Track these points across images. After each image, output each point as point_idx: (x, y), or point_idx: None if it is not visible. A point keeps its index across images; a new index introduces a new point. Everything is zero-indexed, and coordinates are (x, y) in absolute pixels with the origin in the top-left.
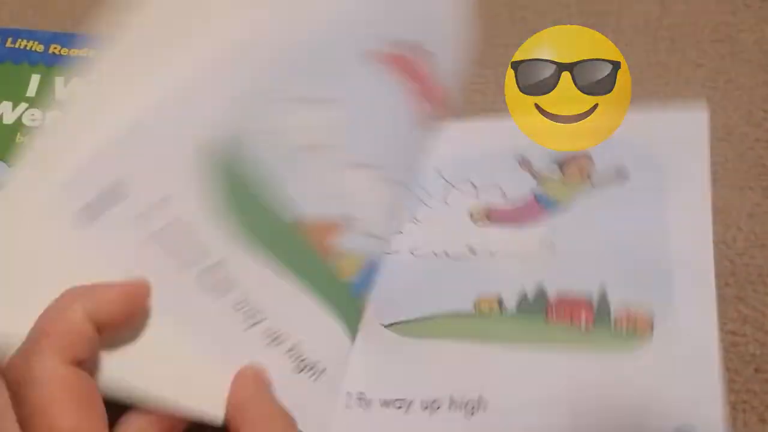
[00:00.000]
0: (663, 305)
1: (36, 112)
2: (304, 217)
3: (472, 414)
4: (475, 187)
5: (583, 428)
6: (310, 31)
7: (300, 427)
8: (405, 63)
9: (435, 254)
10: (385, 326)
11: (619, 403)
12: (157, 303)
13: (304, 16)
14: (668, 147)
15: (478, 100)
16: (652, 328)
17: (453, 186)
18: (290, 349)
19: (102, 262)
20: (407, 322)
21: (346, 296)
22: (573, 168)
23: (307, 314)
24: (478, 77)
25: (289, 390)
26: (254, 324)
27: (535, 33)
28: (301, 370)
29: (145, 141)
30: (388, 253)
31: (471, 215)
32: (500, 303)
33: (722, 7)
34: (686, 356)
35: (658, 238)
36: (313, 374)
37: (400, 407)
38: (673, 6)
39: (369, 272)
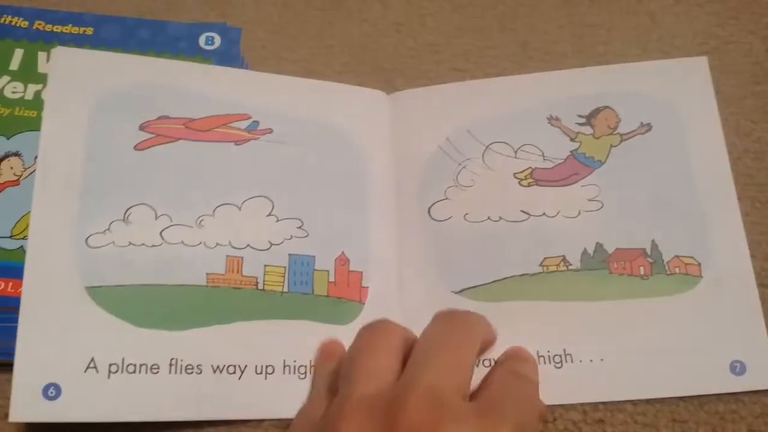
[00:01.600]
0: (705, 251)
1: (18, 85)
2: (210, 275)
3: (560, 366)
4: (511, 147)
5: (654, 364)
6: None
7: None
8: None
9: (491, 219)
10: (456, 293)
11: (680, 342)
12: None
13: None
14: (682, 96)
15: None
16: (700, 271)
17: (487, 146)
18: (285, 368)
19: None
20: (477, 287)
21: (292, 300)
22: (601, 121)
23: (276, 335)
24: None
25: (302, 394)
26: (242, 373)
27: (525, 44)
28: (305, 375)
29: None
30: (305, 237)
31: (517, 178)
32: (565, 261)
33: (711, 19)
34: (732, 297)
35: (689, 190)
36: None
37: (488, 366)
38: (662, 18)
39: (297, 266)
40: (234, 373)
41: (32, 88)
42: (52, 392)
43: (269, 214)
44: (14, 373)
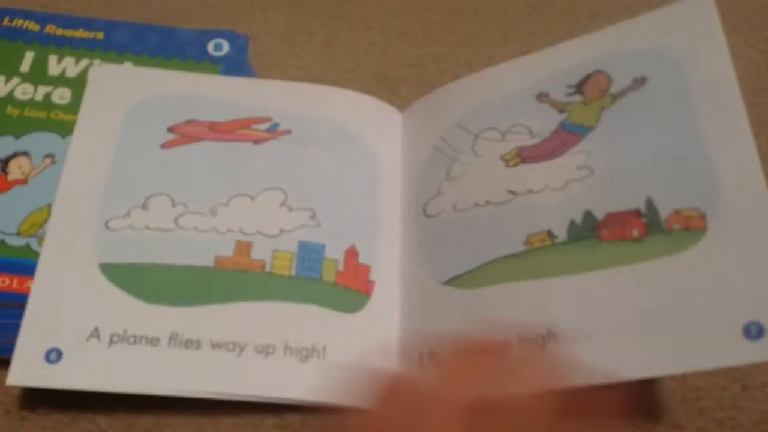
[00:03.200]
0: (712, 199)
1: (28, 87)
2: (218, 257)
3: (543, 347)
4: (500, 132)
5: (650, 338)
6: None
7: (320, 399)
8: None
9: (477, 204)
10: (443, 283)
11: (681, 308)
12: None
13: None
14: (680, 40)
15: None
16: (705, 222)
17: (478, 136)
18: (286, 349)
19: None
20: (462, 275)
21: (300, 284)
22: (591, 86)
23: (280, 316)
24: None
25: (302, 376)
26: (241, 351)
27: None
28: (306, 359)
29: None
30: (316, 226)
31: (503, 160)
32: (551, 235)
33: None
34: (745, 247)
35: (692, 136)
36: (317, 355)
37: None
38: None
39: (306, 253)
40: (233, 350)
41: (42, 90)
42: (53, 356)
43: (282, 204)
44: (19, 336)
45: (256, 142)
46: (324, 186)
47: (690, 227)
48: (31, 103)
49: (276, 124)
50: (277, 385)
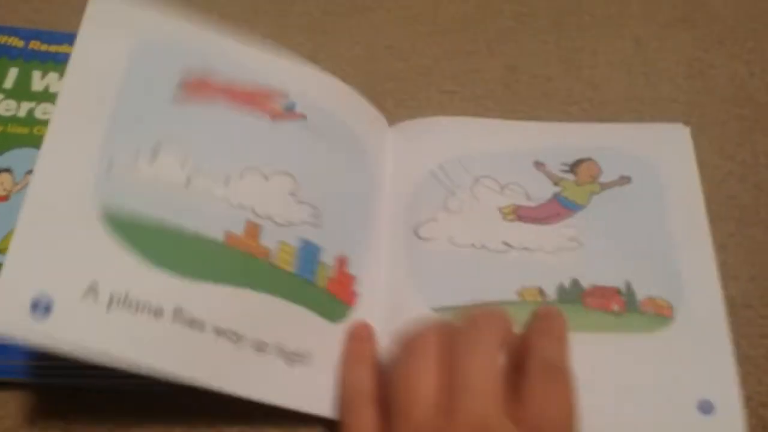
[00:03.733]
0: (678, 296)
1: (11, 103)
2: (228, 233)
3: None
4: (499, 184)
5: (620, 401)
6: None
7: (306, 408)
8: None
9: (474, 246)
10: (434, 309)
11: (649, 378)
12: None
13: None
14: (662, 155)
15: None
16: (672, 313)
17: (478, 180)
18: (276, 349)
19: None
20: (456, 307)
21: (298, 283)
22: (583, 170)
23: (275, 314)
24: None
25: (289, 381)
26: (238, 341)
27: (514, 68)
28: (293, 363)
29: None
30: (316, 226)
31: (502, 212)
32: (542, 292)
33: (696, 44)
34: (702, 340)
35: (664, 239)
36: (302, 362)
37: None
38: (648, 43)
39: (307, 252)
40: (232, 340)
41: (25, 106)
42: (42, 308)
43: (291, 194)
44: (1, 276)
45: (273, 118)
46: (329, 185)
47: (660, 314)
48: (14, 119)
49: (293, 104)
50: (264, 387)
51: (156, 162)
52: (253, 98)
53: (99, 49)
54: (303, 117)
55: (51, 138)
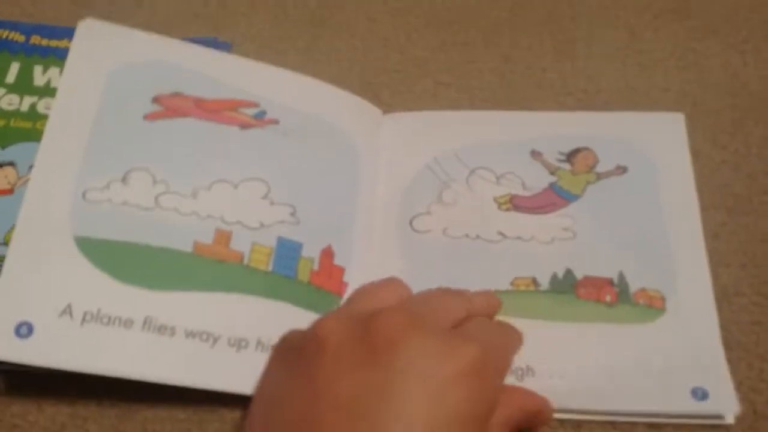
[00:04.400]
0: (670, 287)
1: (13, 98)
2: (197, 243)
3: (521, 380)
4: (495, 175)
5: (616, 389)
6: None
7: None
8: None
9: (468, 236)
10: None
11: (643, 367)
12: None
13: None
14: (658, 144)
15: None
16: (664, 304)
17: (473, 172)
18: (258, 345)
19: None
20: None
21: (275, 280)
22: (579, 160)
23: (255, 311)
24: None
25: None
26: (215, 342)
27: (508, 58)
28: None
29: None
30: (295, 224)
31: (497, 202)
32: (535, 282)
33: (689, 34)
34: (693, 332)
35: (659, 230)
36: None
37: None
38: (641, 33)
39: (284, 249)
40: (207, 341)
41: (28, 101)
42: (24, 331)
43: (264, 197)
44: None
45: (243, 127)
46: (307, 183)
47: (652, 306)
48: (16, 114)
49: (263, 112)
50: (248, 381)
51: (126, 186)
52: (221, 111)
53: (82, 75)
54: (275, 122)
55: (37, 171)
